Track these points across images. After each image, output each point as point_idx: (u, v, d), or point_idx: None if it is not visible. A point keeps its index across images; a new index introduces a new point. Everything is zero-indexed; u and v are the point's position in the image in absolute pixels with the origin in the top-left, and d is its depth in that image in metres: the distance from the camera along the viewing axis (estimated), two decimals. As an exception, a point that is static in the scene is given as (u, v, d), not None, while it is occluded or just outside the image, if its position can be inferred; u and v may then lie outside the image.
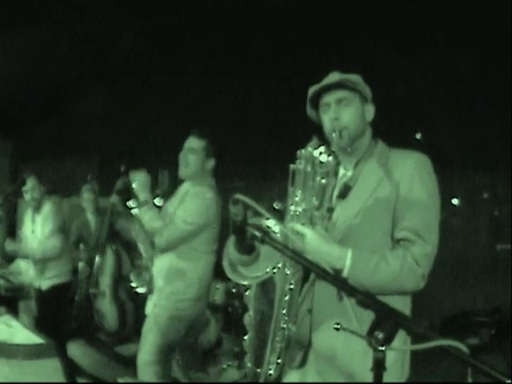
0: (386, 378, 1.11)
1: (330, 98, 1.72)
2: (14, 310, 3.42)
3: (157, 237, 2.68)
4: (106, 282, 4.85)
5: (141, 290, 2.74)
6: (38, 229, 3.99)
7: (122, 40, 5.79)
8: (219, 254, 1.66)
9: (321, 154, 1.60)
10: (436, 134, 4.92)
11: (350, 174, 1.75)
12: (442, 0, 4.29)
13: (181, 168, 2.80)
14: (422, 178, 1.63)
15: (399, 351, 1.58)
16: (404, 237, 1.60)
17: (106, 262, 4.82)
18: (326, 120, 1.73)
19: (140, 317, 4.60)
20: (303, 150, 1.61)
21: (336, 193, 1.73)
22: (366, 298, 1.13)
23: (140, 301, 4.66)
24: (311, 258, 1.37)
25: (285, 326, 1.60)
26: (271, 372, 1.61)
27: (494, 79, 4.41)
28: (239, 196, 1.29)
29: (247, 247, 1.42)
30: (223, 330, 4.65)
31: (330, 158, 1.61)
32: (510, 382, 0.94)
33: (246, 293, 1.68)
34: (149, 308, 2.81)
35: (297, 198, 1.60)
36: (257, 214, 1.35)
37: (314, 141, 1.63)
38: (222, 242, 1.57)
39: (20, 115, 6.38)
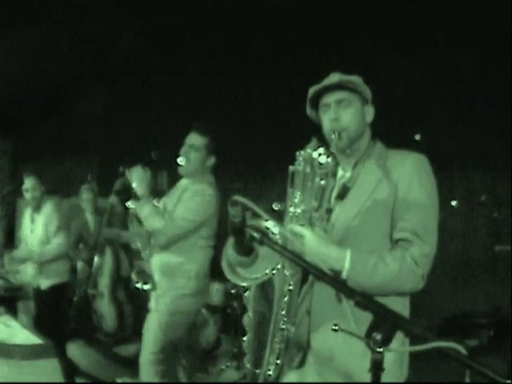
0: (385, 378, 1.11)
1: (330, 98, 1.72)
2: (13, 310, 3.42)
3: (156, 234, 2.67)
4: (104, 282, 4.86)
5: (146, 287, 2.73)
6: (38, 228, 3.98)
7: (122, 40, 5.79)
8: (218, 254, 1.65)
9: (320, 155, 1.60)
10: (436, 134, 4.91)
11: (348, 174, 1.75)
12: (442, 0, 4.29)
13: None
14: (420, 179, 1.63)
15: (397, 352, 1.58)
16: (403, 237, 1.60)
17: (104, 263, 4.83)
18: (326, 121, 1.73)
19: (138, 317, 4.61)
20: (302, 152, 1.61)
21: (334, 194, 1.72)
22: (364, 300, 1.13)
23: (138, 301, 4.67)
24: (310, 259, 1.37)
25: (284, 326, 1.60)
26: (270, 372, 1.62)
27: (494, 79, 4.41)
28: (238, 198, 1.29)
29: (246, 249, 1.42)
30: (222, 330, 4.65)
31: (330, 160, 1.61)
32: (509, 382, 0.94)
33: (246, 294, 1.68)
34: (152, 304, 2.80)
35: (296, 200, 1.60)
36: (255, 215, 1.35)
37: (314, 142, 1.63)
38: (220, 239, 1.57)
39: (20, 115, 6.38)
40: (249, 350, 1.68)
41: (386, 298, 1.50)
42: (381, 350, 1.07)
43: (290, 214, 1.61)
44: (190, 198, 2.69)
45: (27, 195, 3.97)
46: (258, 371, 1.63)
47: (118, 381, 3.64)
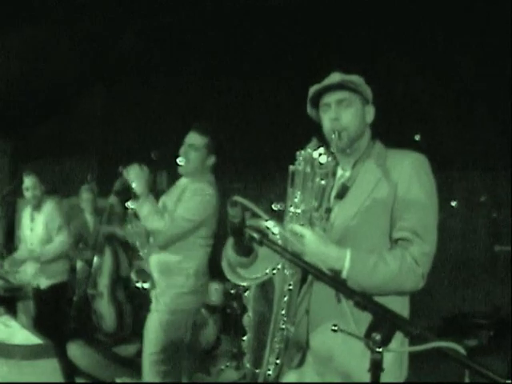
0: (384, 378, 1.11)
1: (330, 98, 1.72)
2: (12, 311, 3.42)
3: (156, 234, 2.67)
4: (104, 282, 4.86)
5: (145, 286, 2.72)
6: (38, 227, 3.98)
7: (122, 40, 5.80)
8: (218, 254, 1.65)
9: (320, 155, 1.60)
10: (436, 134, 4.92)
11: (347, 174, 1.74)
12: (442, 0, 4.29)
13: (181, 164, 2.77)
14: (419, 178, 1.63)
15: (397, 352, 1.58)
16: (402, 237, 1.60)
17: (104, 263, 4.83)
18: (326, 120, 1.73)
19: (138, 317, 4.61)
20: (303, 151, 1.61)
21: (334, 193, 1.72)
22: (364, 300, 1.13)
23: (138, 301, 4.68)
24: (310, 259, 1.37)
25: (283, 326, 1.60)
26: (270, 372, 1.61)
27: (494, 79, 4.41)
28: (237, 198, 1.29)
29: (245, 249, 1.42)
30: (221, 331, 4.65)
31: (330, 159, 1.61)
32: (509, 382, 0.94)
33: (246, 293, 1.68)
34: (152, 304, 2.79)
35: (296, 199, 1.61)
36: (255, 215, 1.35)
37: (314, 142, 1.63)
38: (220, 239, 1.57)
39: (20, 115, 6.38)
40: (248, 349, 1.67)
41: (385, 298, 1.50)
42: (380, 350, 1.07)
43: (290, 213, 1.61)
44: (190, 197, 2.67)
45: (27, 194, 3.96)
46: (257, 371, 1.63)
47: (118, 381, 3.64)
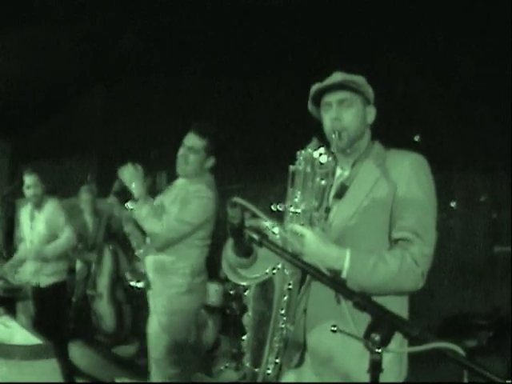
0: (384, 378, 1.10)
1: (331, 97, 1.72)
2: (12, 311, 3.42)
3: (153, 237, 2.65)
4: (103, 283, 4.86)
5: (139, 285, 2.72)
6: (38, 226, 3.98)
7: (122, 40, 5.80)
8: (216, 254, 1.65)
9: (320, 155, 1.60)
10: (436, 134, 4.91)
11: (346, 173, 1.75)
12: (442, 0, 4.29)
13: (179, 166, 2.73)
14: (419, 179, 1.64)
15: (396, 353, 1.58)
16: (402, 237, 1.60)
17: (103, 264, 4.83)
18: (327, 119, 1.73)
19: (137, 318, 4.60)
20: (303, 151, 1.61)
21: (332, 193, 1.72)
22: (363, 300, 1.13)
23: (137, 302, 4.67)
24: (310, 259, 1.37)
25: (283, 326, 1.60)
26: (269, 372, 1.61)
27: (494, 79, 4.41)
28: (237, 199, 1.29)
29: (245, 250, 1.42)
30: (221, 331, 4.64)
31: (330, 159, 1.61)
32: (509, 382, 0.94)
33: (245, 293, 1.68)
34: (151, 306, 2.78)
35: (296, 199, 1.61)
36: (255, 216, 1.35)
37: (314, 142, 1.63)
38: (220, 240, 1.57)
39: (20, 115, 6.38)
40: (248, 348, 1.67)
41: (384, 298, 1.49)
42: (379, 350, 1.07)
43: (291, 213, 1.61)
44: (188, 200, 2.65)
45: (28, 192, 3.96)
46: (257, 370, 1.63)
47: (117, 381, 3.64)
